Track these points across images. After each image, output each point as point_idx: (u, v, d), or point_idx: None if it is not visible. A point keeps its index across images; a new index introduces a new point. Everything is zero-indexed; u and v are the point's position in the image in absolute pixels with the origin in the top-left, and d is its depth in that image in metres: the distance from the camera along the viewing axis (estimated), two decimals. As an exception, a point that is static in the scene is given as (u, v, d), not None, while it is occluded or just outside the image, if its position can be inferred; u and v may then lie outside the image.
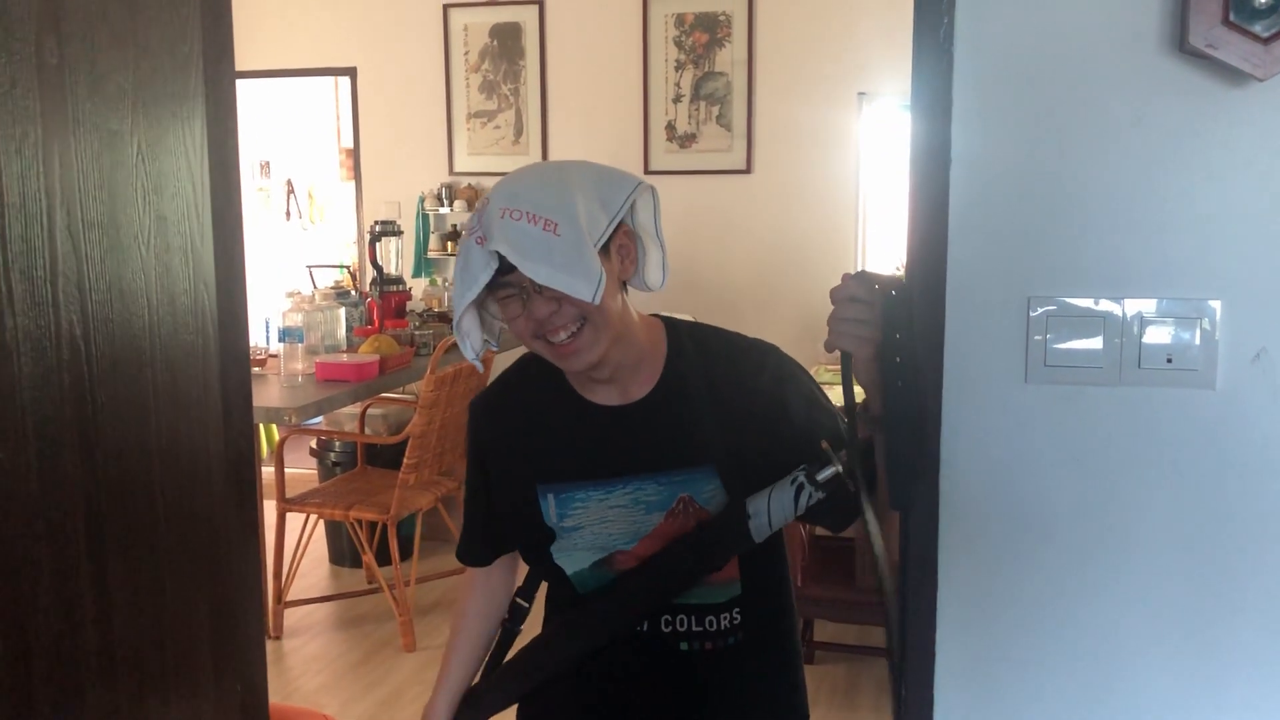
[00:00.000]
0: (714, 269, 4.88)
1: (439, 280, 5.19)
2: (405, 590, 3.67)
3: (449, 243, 5.39)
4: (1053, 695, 1.22)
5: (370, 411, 4.23)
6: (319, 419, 4.55)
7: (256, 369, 3.94)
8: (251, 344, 4.45)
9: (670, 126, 5.08)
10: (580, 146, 5.15)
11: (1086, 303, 1.16)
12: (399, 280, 4.43)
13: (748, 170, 4.93)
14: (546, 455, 1.38)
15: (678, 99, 5.07)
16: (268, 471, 3.92)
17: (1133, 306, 1.15)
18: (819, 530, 3.82)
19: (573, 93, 5.20)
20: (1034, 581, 1.21)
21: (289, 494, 3.75)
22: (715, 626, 1.37)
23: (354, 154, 5.64)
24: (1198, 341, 1.14)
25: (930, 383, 1.20)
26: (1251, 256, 1.12)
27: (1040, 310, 1.17)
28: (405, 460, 3.61)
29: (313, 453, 4.51)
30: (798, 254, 4.85)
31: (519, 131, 5.29)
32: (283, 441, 3.86)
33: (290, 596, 3.87)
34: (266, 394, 3.59)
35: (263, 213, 6.94)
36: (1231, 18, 1.01)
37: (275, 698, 3.34)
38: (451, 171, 5.41)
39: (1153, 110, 1.12)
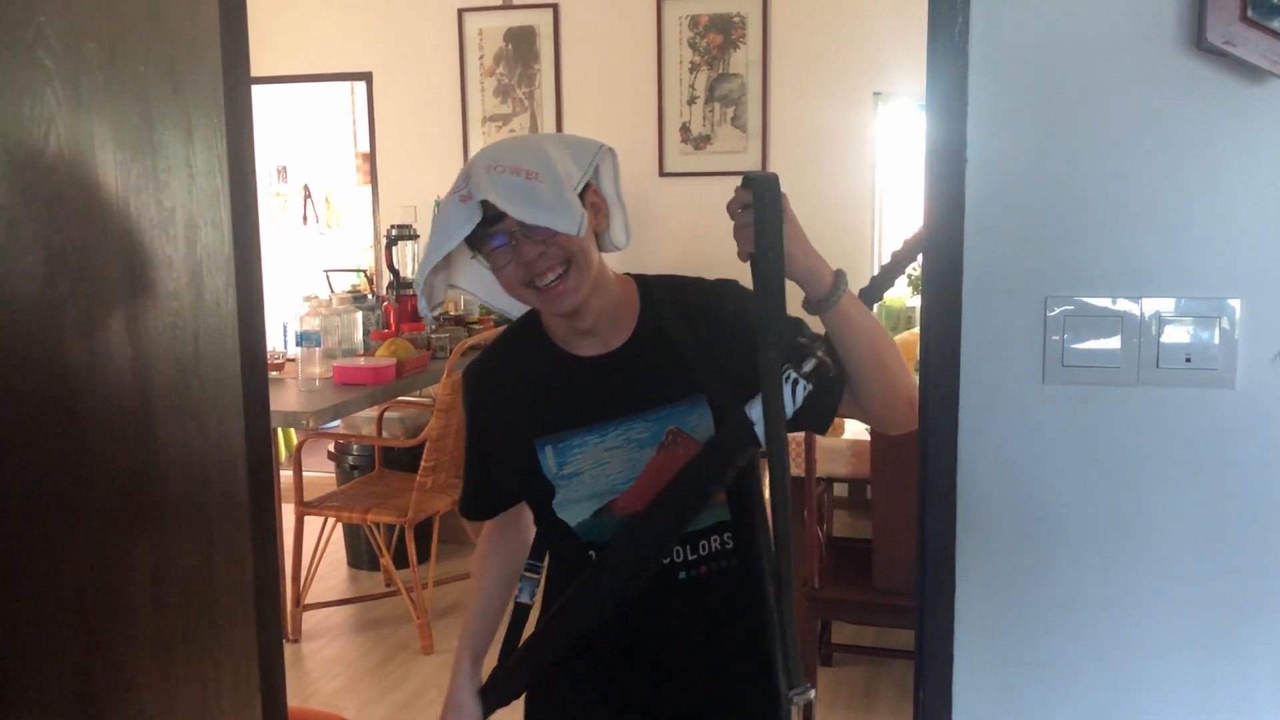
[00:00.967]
0: (728, 271, 4.85)
1: (455, 284, 5.20)
2: (423, 593, 3.68)
3: (465, 246, 5.40)
4: (1073, 698, 1.21)
5: (387, 415, 4.25)
6: (336, 422, 4.57)
7: (274, 373, 3.96)
8: (269, 348, 4.47)
9: (685, 128, 5.08)
10: (595, 149, 5.15)
11: (1104, 302, 1.15)
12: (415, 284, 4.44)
13: (763, 171, 4.91)
14: (540, 410, 1.46)
15: (692, 100, 5.06)
16: (286, 475, 3.93)
17: (1151, 306, 1.14)
18: (836, 531, 3.81)
19: (587, 95, 5.21)
20: (1053, 583, 1.20)
21: (307, 497, 3.76)
22: (708, 550, 1.45)
23: (370, 158, 5.66)
24: (1217, 341, 1.13)
25: (947, 382, 1.19)
26: (1271, 255, 1.11)
27: (1057, 310, 1.16)
28: (422, 463, 3.62)
29: (331, 456, 4.52)
30: (813, 255, 4.84)
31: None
32: (301, 445, 3.88)
33: (309, 599, 3.89)
34: (284, 398, 3.61)
35: (280, 217, 6.98)
36: (1250, 14, 1.00)
37: (294, 700, 3.36)
38: (467, 175, 5.43)
39: (1170, 108, 1.11)
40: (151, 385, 1.27)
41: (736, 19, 4.97)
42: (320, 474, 4.80)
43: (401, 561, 3.95)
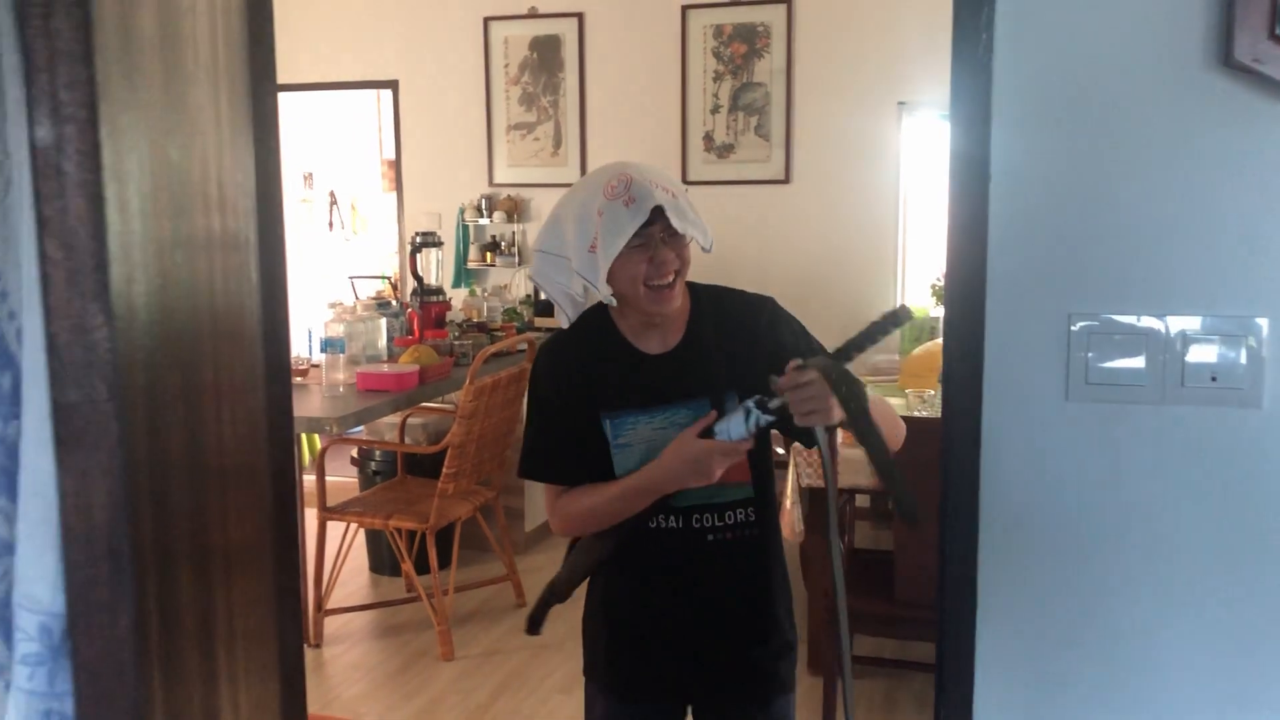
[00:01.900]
0: (752, 280, 4.84)
1: (478, 291, 5.22)
2: (444, 599, 3.70)
3: (488, 253, 5.42)
4: (1095, 717, 1.20)
5: (410, 421, 4.27)
6: (360, 428, 4.59)
7: (299, 379, 3.99)
8: (294, 354, 4.50)
9: (708, 137, 5.08)
10: (619, 157, 5.15)
11: (1129, 320, 1.15)
12: (439, 291, 4.46)
13: (786, 180, 4.92)
14: (605, 390, 1.73)
15: (716, 109, 5.07)
16: (309, 480, 3.96)
17: (1176, 324, 1.13)
18: (858, 543, 3.80)
19: (611, 104, 5.22)
20: (1075, 603, 1.19)
21: (330, 503, 3.78)
22: (733, 520, 1.74)
23: (395, 165, 5.70)
24: (1244, 360, 1.12)
25: (970, 399, 1.19)
26: (1299, 273, 1.10)
27: (1081, 327, 1.16)
28: (444, 470, 3.63)
29: (353, 462, 4.55)
30: (837, 265, 4.83)
31: (558, 143, 5.32)
32: (324, 451, 3.90)
33: (330, 604, 3.91)
34: (309, 404, 3.63)
35: (306, 224, 7.03)
36: (1278, 31, 1.00)
37: (315, 706, 3.38)
38: (491, 183, 5.45)
39: (1197, 126, 1.10)
40: (191, 389, 1.28)
41: (760, 28, 4.97)
42: (343, 479, 4.83)
43: (423, 567, 3.96)
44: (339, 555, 3.90)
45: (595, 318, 1.78)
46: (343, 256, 6.92)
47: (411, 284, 4.51)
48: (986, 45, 1.13)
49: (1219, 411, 1.14)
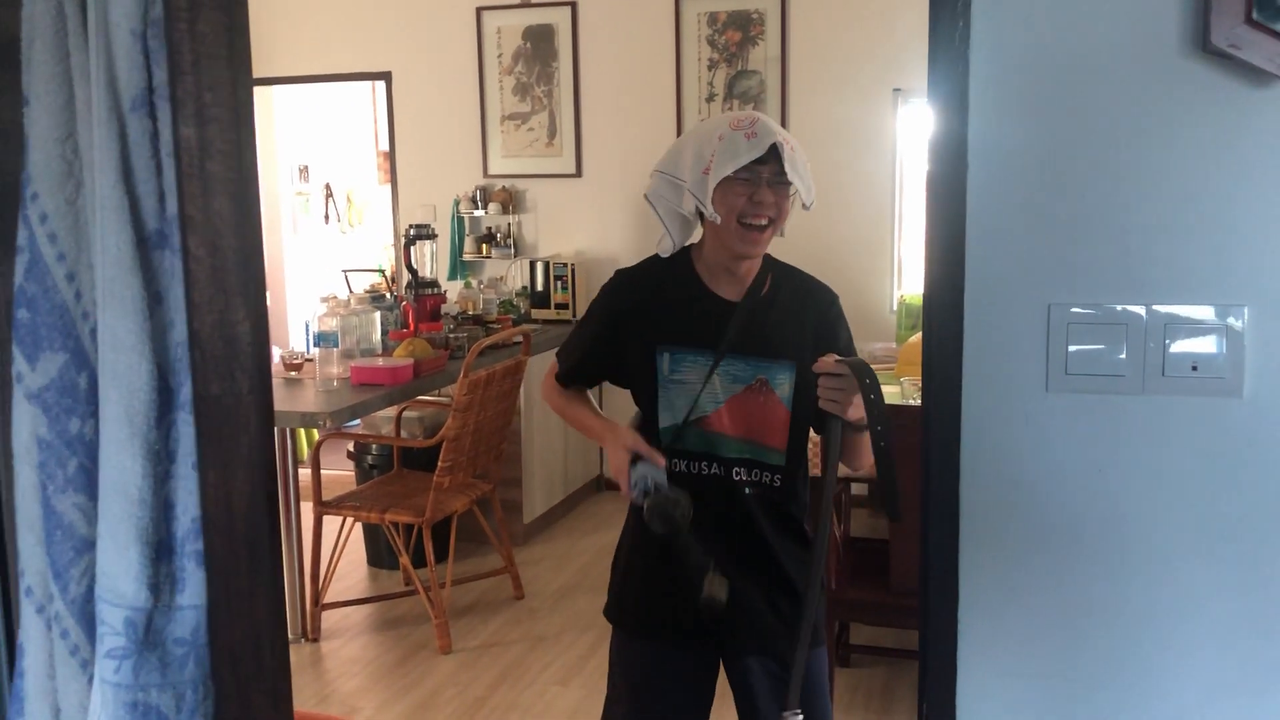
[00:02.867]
0: (749, 268, 4.83)
1: (474, 283, 5.21)
2: (441, 592, 3.70)
3: (484, 245, 5.41)
4: (1079, 711, 1.20)
5: (406, 414, 4.26)
6: (355, 422, 4.58)
7: (294, 373, 3.98)
8: (290, 348, 4.49)
9: (704, 126, 5.07)
10: (614, 146, 5.15)
11: (1109, 309, 1.13)
12: (434, 283, 4.45)
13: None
14: (669, 324, 1.84)
15: (711, 98, 5.05)
16: (305, 474, 3.96)
17: (1156, 313, 1.12)
18: (854, 532, 3.79)
19: (606, 93, 5.20)
20: (1058, 594, 1.19)
21: (326, 497, 3.78)
22: (764, 479, 1.84)
23: (390, 158, 5.68)
24: (1224, 349, 1.11)
25: (949, 390, 1.18)
26: (1280, 261, 1.09)
27: (1061, 317, 1.14)
28: (440, 463, 3.63)
29: (349, 455, 4.54)
30: (833, 252, 4.81)
31: (552, 133, 5.30)
32: (319, 445, 3.90)
33: (328, 599, 3.91)
34: (303, 398, 3.62)
35: (302, 217, 7.02)
36: (1255, 16, 0.98)
37: (312, 700, 3.38)
38: (486, 174, 5.44)
39: (1175, 112, 1.09)
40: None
41: (755, 15, 4.94)
42: (339, 472, 4.83)
43: (420, 561, 3.96)
44: (336, 549, 3.90)
45: (678, 256, 1.88)
46: (339, 249, 6.90)
47: (406, 277, 4.50)
48: (963, 34, 1.12)
49: (1200, 401, 1.13)
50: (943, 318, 1.17)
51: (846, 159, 4.84)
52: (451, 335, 4.22)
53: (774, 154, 1.71)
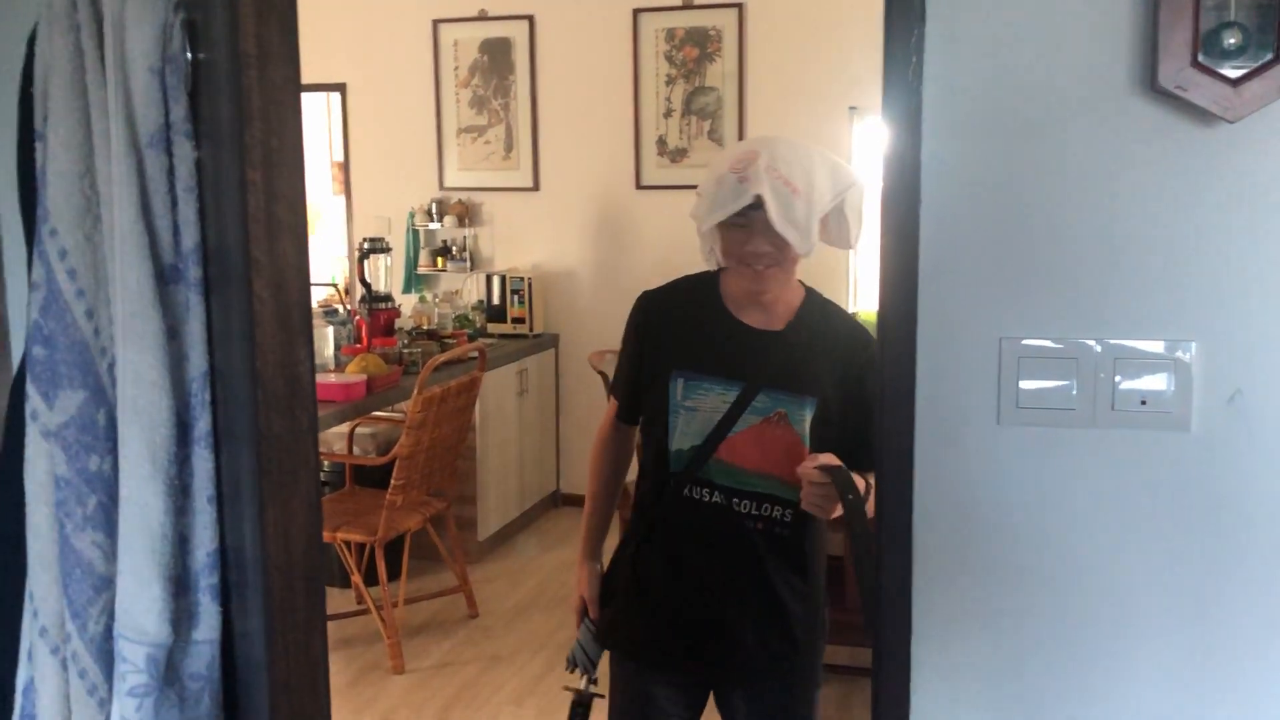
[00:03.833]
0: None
1: (429, 296, 5.17)
2: (394, 611, 3.65)
3: (439, 258, 5.37)
4: (1029, 741, 1.20)
5: (359, 430, 4.21)
6: (308, 437, 4.50)
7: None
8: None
9: (661, 141, 5.07)
10: (571, 161, 5.14)
11: (1059, 344, 1.14)
12: (388, 298, 4.40)
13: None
14: (688, 348, 1.77)
15: (668, 113, 5.06)
16: (256, 492, 3.89)
17: (1106, 348, 1.13)
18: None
19: (563, 107, 5.19)
20: (1011, 627, 1.19)
21: (277, 515, 3.72)
22: (770, 513, 1.77)
23: (344, 169, 5.62)
24: (1172, 384, 1.12)
25: (902, 422, 1.18)
26: (1226, 297, 1.10)
27: (1012, 351, 1.15)
28: (393, 481, 3.59)
29: (302, 471, 4.48)
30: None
31: (509, 146, 5.28)
32: (271, 461, 3.84)
33: (278, 617, 3.85)
34: (253, 415, 3.57)
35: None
36: (1200, 59, 1.00)
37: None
38: (442, 186, 5.40)
39: (1125, 150, 1.10)
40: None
41: (713, 32, 4.96)
42: (292, 489, 4.75)
43: (372, 579, 3.91)
44: (286, 568, 3.83)
45: (707, 277, 1.84)
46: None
47: (360, 290, 4.45)
48: (916, 70, 1.12)
49: (1149, 435, 1.14)
50: (895, 350, 1.17)
51: (802, 176, 4.87)
52: (406, 350, 4.18)
53: (761, 202, 1.61)
